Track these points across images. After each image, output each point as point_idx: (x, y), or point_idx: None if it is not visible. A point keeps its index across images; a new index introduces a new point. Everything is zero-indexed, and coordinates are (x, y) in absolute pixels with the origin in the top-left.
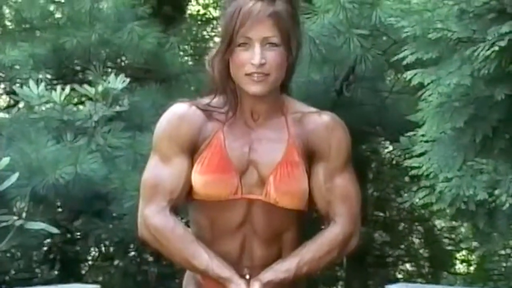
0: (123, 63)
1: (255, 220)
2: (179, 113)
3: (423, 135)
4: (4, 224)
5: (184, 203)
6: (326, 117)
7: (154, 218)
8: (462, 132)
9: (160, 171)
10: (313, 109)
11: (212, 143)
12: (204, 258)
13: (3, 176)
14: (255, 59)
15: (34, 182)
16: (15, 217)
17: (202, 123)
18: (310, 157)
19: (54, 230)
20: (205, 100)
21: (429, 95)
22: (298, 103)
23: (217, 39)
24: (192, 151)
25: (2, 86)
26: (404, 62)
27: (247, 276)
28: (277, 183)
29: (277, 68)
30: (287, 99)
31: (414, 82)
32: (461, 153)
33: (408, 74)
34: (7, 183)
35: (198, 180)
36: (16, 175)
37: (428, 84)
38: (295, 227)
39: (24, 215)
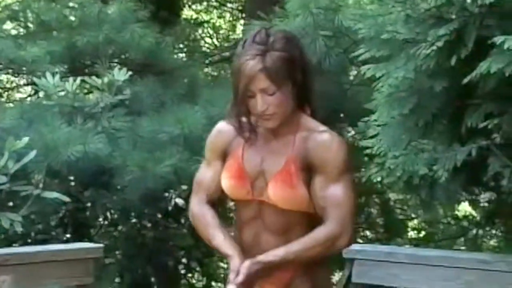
0: (126, 59)
1: (265, 217)
2: (218, 129)
3: (375, 120)
4: (24, 193)
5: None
6: (325, 136)
7: (194, 207)
8: (407, 118)
9: (204, 173)
10: (321, 127)
11: (234, 154)
12: (219, 239)
13: (23, 153)
14: (258, 108)
15: (49, 158)
16: (33, 187)
17: (233, 138)
18: (310, 169)
19: (66, 199)
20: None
21: (381, 87)
22: (311, 122)
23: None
24: (224, 159)
25: (25, 79)
26: (361, 58)
27: None
28: (274, 189)
29: (278, 108)
30: (303, 118)
31: (368, 75)
32: (406, 135)
33: (364, 68)
34: (26, 159)
35: (223, 183)
36: (34, 152)
37: (380, 77)
38: (301, 224)
39: (40, 186)
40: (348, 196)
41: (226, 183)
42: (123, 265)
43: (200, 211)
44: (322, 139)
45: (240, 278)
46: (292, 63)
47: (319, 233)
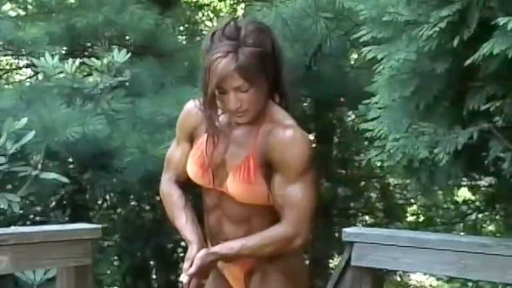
0: (125, 40)
1: (225, 206)
2: (188, 109)
3: (376, 103)
4: (22, 174)
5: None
6: (288, 133)
7: (163, 185)
8: (408, 100)
9: (173, 151)
10: (287, 121)
11: (199, 141)
12: (182, 221)
13: (22, 134)
14: (231, 105)
15: (48, 139)
16: (32, 168)
17: (200, 122)
18: (270, 165)
19: (64, 180)
20: None
21: (382, 69)
22: (279, 113)
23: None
24: (191, 141)
25: (25, 59)
26: (361, 40)
27: None
28: (233, 182)
29: (252, 104)
30: (271, 109)
31: (369, 56)
32: (407, 117)
33: (364, 50)
34: (25, 140)
35: (188, 170)
36: (33, 133)
37: (381, 59)
38: (262, 215)
39: (39, 166)
40: (306, 197)
41: (190, 170)
42: (122, 248)
43: (168, 190)
44: (284, 137)
45: (193, 269)
46: (265, 58)
47: (275, 232)
